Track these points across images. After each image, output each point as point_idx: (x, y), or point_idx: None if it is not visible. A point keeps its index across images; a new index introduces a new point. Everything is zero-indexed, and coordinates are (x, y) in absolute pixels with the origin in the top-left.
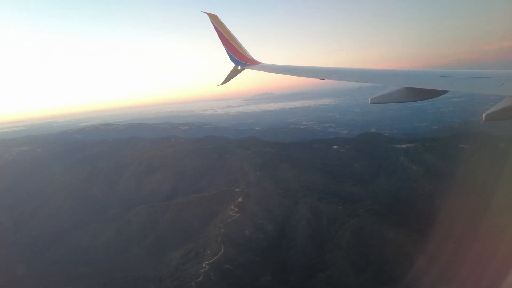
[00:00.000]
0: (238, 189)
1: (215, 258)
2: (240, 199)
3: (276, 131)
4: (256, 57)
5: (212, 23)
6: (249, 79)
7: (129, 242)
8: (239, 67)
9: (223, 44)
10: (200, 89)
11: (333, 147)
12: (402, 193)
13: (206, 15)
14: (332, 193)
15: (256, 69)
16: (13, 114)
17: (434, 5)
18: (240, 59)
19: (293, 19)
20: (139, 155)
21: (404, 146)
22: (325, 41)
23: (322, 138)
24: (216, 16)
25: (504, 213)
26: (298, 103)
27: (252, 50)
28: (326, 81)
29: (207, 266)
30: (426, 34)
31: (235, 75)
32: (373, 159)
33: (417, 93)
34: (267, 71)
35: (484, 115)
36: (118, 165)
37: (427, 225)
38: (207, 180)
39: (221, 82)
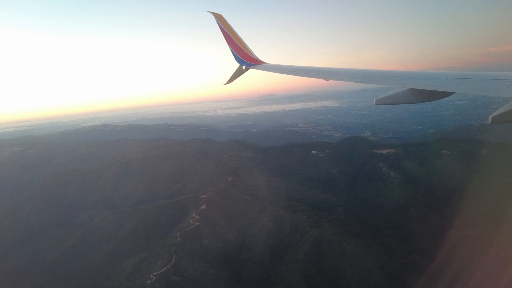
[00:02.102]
0: (204, 196)
1: (164, 269)
2: (203, 207)
3: (270, 134)
4: (258, 57)
5: (218, 23)
6: (253, 79)
7: (90, 248)
8: (243, 67)
9: (228, 44)
10: (205, 90)
11: (312, 151)
12: (375, 201)
13: (212, 14)
14: (301, 200)
15: (261, 69)
16: (15, 114)
17: (439, 7)
18: (245, 59)
19: (295, 20)
20: (121, 158)
21: (385, 151)
22: (327, 42)
23: (303, 142)
24: (222, 16)
25: (477, 225)
26: (299, 105)
27: (253, 50)
28: (329, 83)
29: (154, 277)
30: (431, 37)
31: (240, 75)
32: (351, 164)
33: (422, 94)
34: (272, 71)
35: (490, 117)
36: (98, 168)
37: (392, 236)
38: (181, 184)
39: (225, 82)
